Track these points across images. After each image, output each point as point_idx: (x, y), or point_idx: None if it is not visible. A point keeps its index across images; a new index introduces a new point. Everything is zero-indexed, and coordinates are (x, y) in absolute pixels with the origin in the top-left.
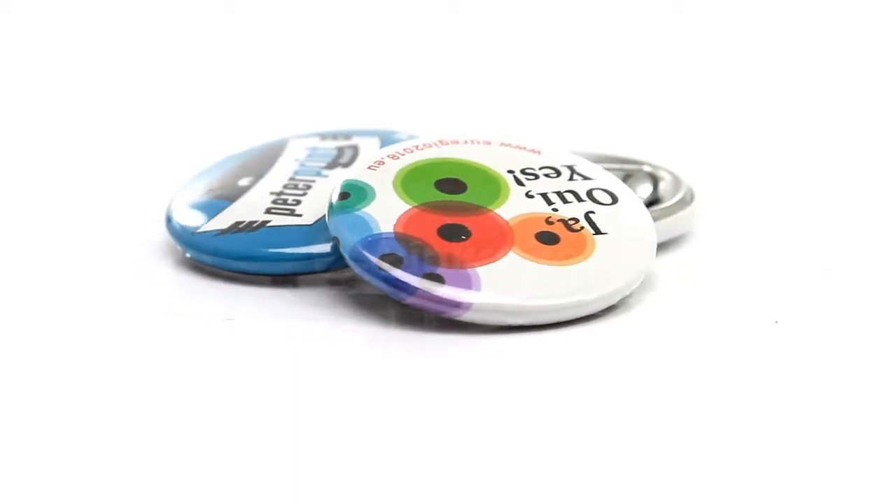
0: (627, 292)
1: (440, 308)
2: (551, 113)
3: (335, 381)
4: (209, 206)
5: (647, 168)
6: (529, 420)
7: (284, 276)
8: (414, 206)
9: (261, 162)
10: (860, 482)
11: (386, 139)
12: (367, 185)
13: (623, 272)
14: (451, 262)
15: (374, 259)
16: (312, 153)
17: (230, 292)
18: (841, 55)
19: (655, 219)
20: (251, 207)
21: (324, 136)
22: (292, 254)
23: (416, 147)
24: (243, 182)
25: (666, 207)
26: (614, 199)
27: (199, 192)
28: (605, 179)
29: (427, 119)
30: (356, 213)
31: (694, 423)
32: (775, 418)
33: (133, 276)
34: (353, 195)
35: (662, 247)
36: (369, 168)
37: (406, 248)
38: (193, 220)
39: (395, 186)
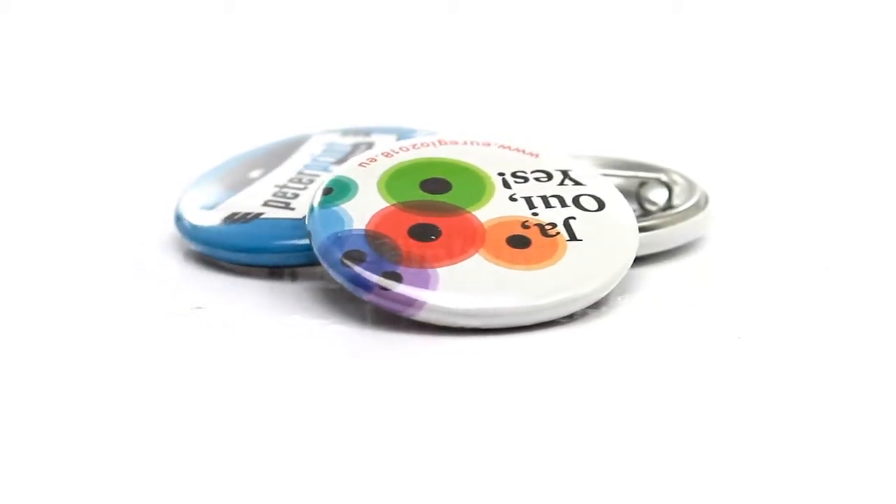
0: (588, 302)
1: (395, 306)
2: (569, 115)
3: (292, 376)
4: (215, 196)
5: (662, 177)
6: (505, 422)
7: (280, 267)
8: (392, 205)
9: (277, 155)
10: (861, 483)
11: (403, 137)
12: (352, 181)
13: (588, 280)
14: (414, 261)
15: (338, 255)
16: (328, 149)
17: (227, 284)
18: (852, 57)
19: (669, 223)
20: (251, 199)
21: (345, 133)
22: (279, 245)
23: (413, 146)
24: (254, 174)
25: (680, 212)
26: (601, 206)
27: (210, 182)
28: (598, 185)
29: (453, 118)
30: (333, 208)
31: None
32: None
33: (140, 265)
34: (335, 191)
35: (677, 251)
36: (360, 165)
37: (372, 245)
38: (195, 210)
39: (378, 184)
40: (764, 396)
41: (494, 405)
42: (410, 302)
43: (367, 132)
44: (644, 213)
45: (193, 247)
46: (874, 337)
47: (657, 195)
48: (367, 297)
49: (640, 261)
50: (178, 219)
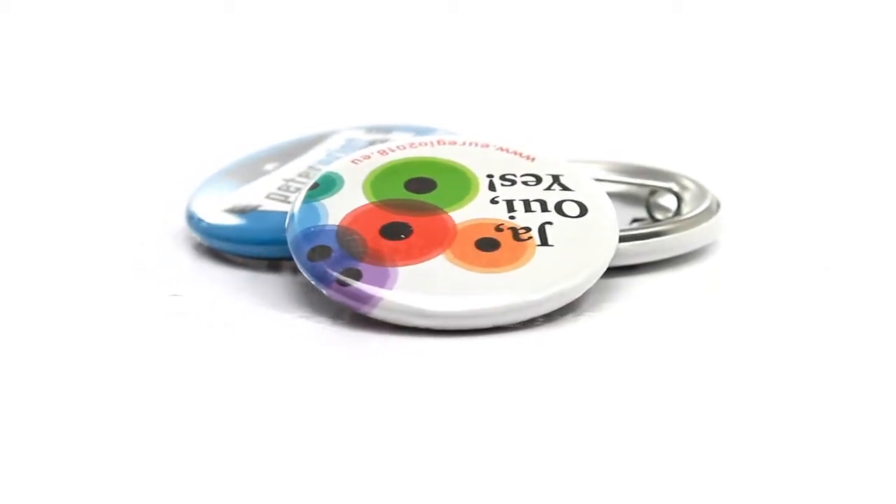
0: (545, 309)
1: (351, 303)
2: (587, 119)
3: (275, 370)
4: (226, 188)
5: (673, 186)
6: (484, 421)
7: (278, 260)
8: (371, 203)
9: (297, 150)
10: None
11: (421, 135)
12: (339, 177)
13: (548, 287)
14: (377, 259)
15: (306, 249)
16: (347, 145)
17: (229, 277)
18: (865, 62)
19: (679, 229)
20: (255, 192)
21: (368, 129)
22: (269, 238)
23: (410, 145)
24: (268, 167)
25: (690, 217)
26: (582, 213)
27: (227, 174)
28: (586, 191)
29: (476, 118)
30: (314, 203)
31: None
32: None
33: (149, 256)
34: (321, 186)
35: (687, 258)
36: (353, 162)
37: (340, 241)
38: (203, 201)
39: (365, 181)
40: (773, 403)
41: (474, 405)
42: (366, 299)
43: (388, 130)
44: (653, 220)
45: (196, 237)
46: (883, 342)
47: (667, 204)
48: (326, 291)
49: (649, 266)
50: (188, 209)
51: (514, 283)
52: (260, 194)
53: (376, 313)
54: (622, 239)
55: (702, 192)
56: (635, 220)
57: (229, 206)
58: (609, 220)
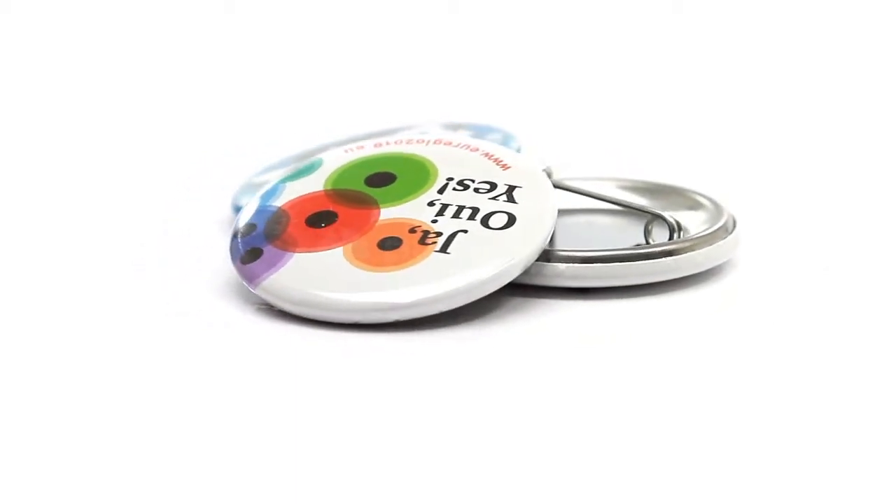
0: (410, 315)
1: (242, 279)
2: (609, 131)
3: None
4: (274, 177)
5: (668, 217)
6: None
7: None
8: (323, 190)
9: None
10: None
11: (480, 133)
12: (321, 163)
13: (422, 293)
14: (287, 243)
15: (240, 224)
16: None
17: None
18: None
19: (694, 248)
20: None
21: (445, 126)
22: None
23: (407, 141)
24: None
25: (705, 236)
26: (507, 226)
27: (283, 163)
28: (532, 207)
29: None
30: (284, 183)
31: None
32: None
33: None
34: (303, 169)
35: (701, 277)
36: (345, 150)
37: (267, 221)
38: (250, 187)
39: (336, 170)
40: (791, 426)
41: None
42: (252, 277)
43: (458, 127)
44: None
45: None
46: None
47: (659, 234)
48: (233, 264)
49: (662, 286)
50: (237, 201)
51: (384, 284)
52: None
53: (258, 292)
54: (636, 258)
55: (717, 210)
56: (637, 245)
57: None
58: (533, 238)
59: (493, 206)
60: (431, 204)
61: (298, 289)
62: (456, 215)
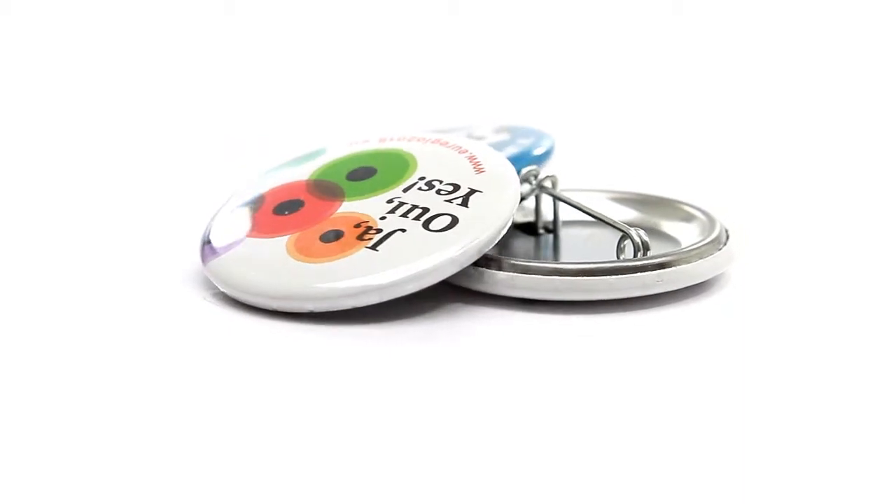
0: (319, 307)
1: (200, 258)
2: (608, 142)
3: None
4: None
5: (634, 235)
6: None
7: None
8: (305, 180)
9: None
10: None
11: (515, 135)
12: (322, 153)
13: (334, 290)
14: (245, 227)
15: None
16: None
17: None
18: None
19: (686, 261)
20: None
21: (496, 129)
22: None
23: (409, 138)
24: None
25: (697, 248)
26: (446, 229)
27: None
28: (480, 213)
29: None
30: (279, 169)
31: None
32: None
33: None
34: (306, 156)
35: (694, 290)
36: (350, 143)
37: (245, 203)
38: None
39: (328, 161)
40: (789, 447)
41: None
42: (204, 258)
43: (501, 130)
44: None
45: None
46: None
47: (627, 251)
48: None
49: (653, 300)
50: None
51: (304, 274)
52: None
53: (206, 273)
54: (623, 270)
55: (711, 222)
56: (626, 258)
57: None
58: (467, 244)
59: (444, 207)
60: (390, 201)
61: (234, 272)
62: (405, 214)
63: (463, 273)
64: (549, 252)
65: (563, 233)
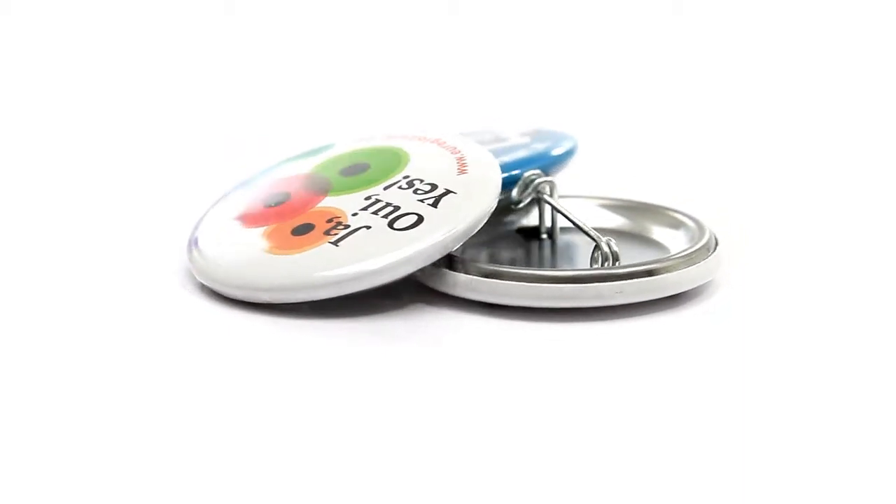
0: (276, 298)
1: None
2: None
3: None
4: None
5: (604, 245)
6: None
7: None
8: (303, 173)
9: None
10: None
11: (536, 137)
12: (329, 148)
13: (287, 283)
14: (239, 217)
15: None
16: (479, 138)
17: None
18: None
19: (673, 268)
20: None
21: (522, 133)
22: None
23: (411, 136)
24: None
25: (685, 256)
26: (408, 228)
27: None
28: (447, 215)
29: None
30: (293, 161)
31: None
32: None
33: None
34: (312, 150)
35: (682, 297)
36: (357, 139)
37: (242, 194)
38: None
39: (331, 156)
40: (779, 458)
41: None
42: (189, 246)
43: (525, 134)
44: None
45: None
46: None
47: (597, 260)
48: None
49: (640, 307)
50: None
51: (263, 266)
52: None
53: (189, 260)
54: (612, 277)
55: (699, 229)
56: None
57: None
58: (424, 245)
59: (414, 207)
60: (368, 198)
61: (206, 259)
62: (376, 211)
63: (429, 273)
64: (537, 257)
65: (565, 239)
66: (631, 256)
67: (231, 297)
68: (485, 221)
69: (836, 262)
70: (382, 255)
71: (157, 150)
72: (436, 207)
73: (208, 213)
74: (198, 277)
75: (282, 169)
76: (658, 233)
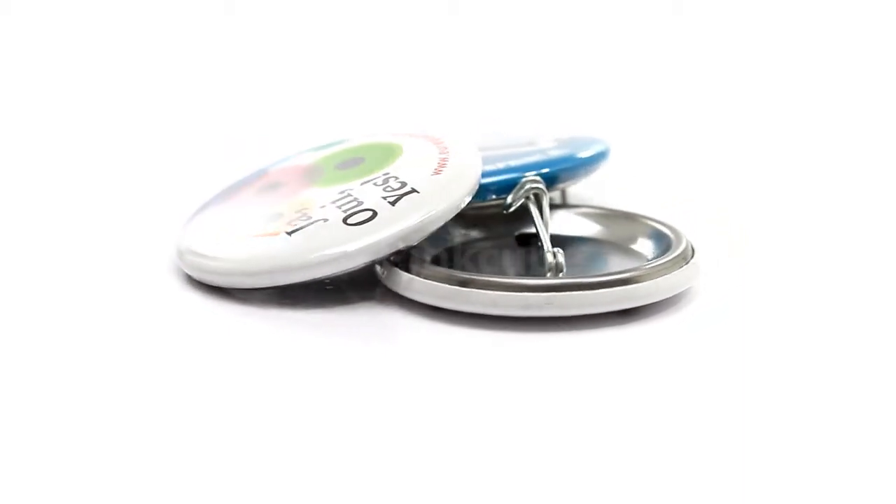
0: (222, 281)
1: None
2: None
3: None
4: None
5: (549, 256)
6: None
7: None
8: (301, 164)
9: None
10: None
11: (566, 144)
12: (340, 142)
13: (234, 268)
14: (224, 202)
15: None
16: (508, 142)
17: None
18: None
19: (650, 276)
20: None
21: (554, 139)
22: None
23: (416, 136)
24: None
25: (662, 264)
26: (361, 223)
27: None
28: (398, 214)
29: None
30: (302, 154)
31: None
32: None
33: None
34: (326, 144)
35: (659, 306)
36: (368, 136)
37: (245, 182)
38: None
39: (337, 150)
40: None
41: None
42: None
43: (559, 138)
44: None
45: None
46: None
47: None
48: None
49: (615, 317)
50: None
51: (223, 249)
52: None
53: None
54: (587, 286)
55: (676, 237)
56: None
57: None
58: (377, 244)
59: (374, 204)
60: (342, 192)
61: (187, 237)
62: (341, 206)
63: (385, 271)
64: (509, 264)
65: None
66: (608, 266)
67: (197, 279)
68: (440, 224)
69: (815, 269)
70: (323, 250)
71: (158, 150)
72: (393, 206)
73: (212, 199)
74: (177, 261)
75: (293, 159)
76: (635, 242)
